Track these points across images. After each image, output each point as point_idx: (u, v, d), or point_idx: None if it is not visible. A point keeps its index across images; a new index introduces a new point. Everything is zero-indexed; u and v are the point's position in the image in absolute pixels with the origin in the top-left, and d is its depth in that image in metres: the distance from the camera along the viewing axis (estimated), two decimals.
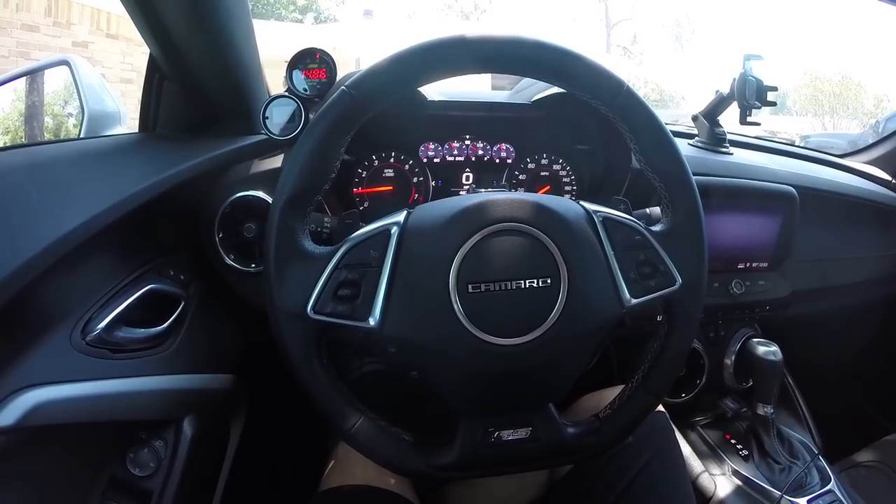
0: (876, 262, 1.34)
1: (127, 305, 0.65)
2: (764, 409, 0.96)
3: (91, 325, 0.62)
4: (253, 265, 0.76)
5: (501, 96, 0.98)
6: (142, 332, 0.67)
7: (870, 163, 1.47)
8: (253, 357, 0.85)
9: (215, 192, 0.76)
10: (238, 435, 0.86)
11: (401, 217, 0.56)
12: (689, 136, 1.15)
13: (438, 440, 0.58)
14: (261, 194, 0.75)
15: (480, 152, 0.97)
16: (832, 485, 0.93)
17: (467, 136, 0.96)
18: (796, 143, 1.70)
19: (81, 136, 1.22)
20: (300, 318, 0.53)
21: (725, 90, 1.09)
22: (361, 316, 0.53)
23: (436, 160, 0.96)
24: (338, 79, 0.81)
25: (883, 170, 1.43)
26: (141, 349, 0.67)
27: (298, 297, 0.53)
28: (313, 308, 0.53)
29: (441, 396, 0.57)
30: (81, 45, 5.26)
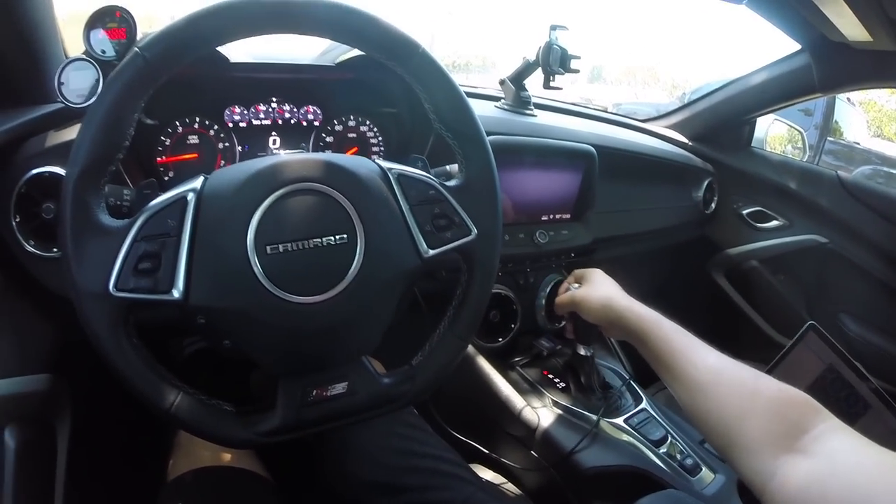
0: (671, 213, 1.54)
1: None
2: (585, 350, 1.03)
3: None
4: (55, 249, 0.69)
5: (307, 58, 0.96)
6: None
7: (670, 127, 1.68)
8: (71, 352, 0.78)
9: (8, 171, 0.67)
10: (66, 439, 0.78)
11: (197, 183, 0.55)
12: (496, 98, 1.22)
13: (260, 407, 0.57)
14: (58, 170, 0.68)
15: (287, 115, 0.95)
16: (644, 404, 1.04)
17: (273, 99, 0.94)
18: (608, 110, 1.87)
19: None
20: (103, 297, 0.50)
21: (532, 57, 1.15)
22: (164, 288, 0.51)
23: (242, 124, 0.92)
24: (137, 39, 0.74)
25: (681, 133, 1.64)
26: None
27: (99, 275, 0.50)
28: (115, 285, 0.50)
29: (256, 361, 0.57)
30: None
